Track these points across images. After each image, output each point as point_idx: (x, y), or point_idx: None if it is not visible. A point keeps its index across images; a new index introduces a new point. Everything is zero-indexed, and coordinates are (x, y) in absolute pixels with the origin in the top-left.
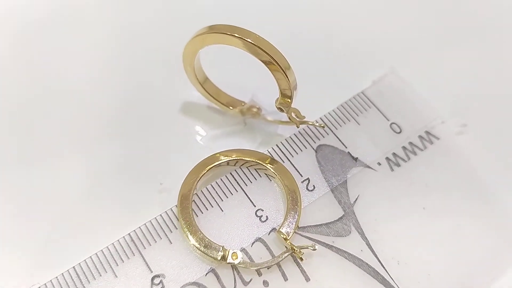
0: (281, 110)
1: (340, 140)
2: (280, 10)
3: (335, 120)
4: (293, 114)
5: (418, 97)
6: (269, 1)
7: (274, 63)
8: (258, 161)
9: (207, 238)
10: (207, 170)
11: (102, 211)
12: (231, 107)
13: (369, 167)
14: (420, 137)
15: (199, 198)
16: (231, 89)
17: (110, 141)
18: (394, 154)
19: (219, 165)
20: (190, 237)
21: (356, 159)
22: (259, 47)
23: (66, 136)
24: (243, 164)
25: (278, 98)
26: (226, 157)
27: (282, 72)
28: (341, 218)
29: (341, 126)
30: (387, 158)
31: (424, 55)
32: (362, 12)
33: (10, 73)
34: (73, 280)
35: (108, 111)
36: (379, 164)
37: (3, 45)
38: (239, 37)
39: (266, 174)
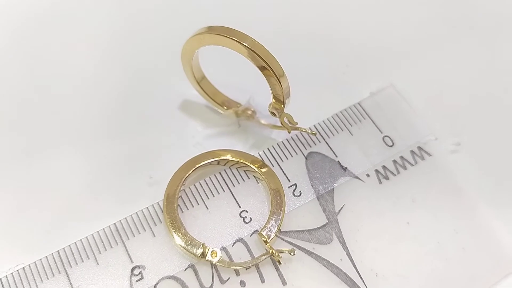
0: (274, 115)
1: (331, 149)
2: (280, 14)
3: (328, 128)
4: (285, 119)
5: (414, 112)
6: (270, 4)
7: (268, 68)
8: (246, 163)
9: (189, 234)
10: (196, 168)
11: (94, 202)
12: (226, 108)
13: (357, 177)
14: (412, 152)
15: (186, 195)
16: (229, 90)
17: (106, 135)
18: (384, 167)
19: (209, 164)
20: (173, 231)
21: (345, 168)
22: (254, 52)
23: (64, 130)
24: (232, 165)
25: (271, 102)
26: (216, 157)
27: (276, 78)
28: (324, 226)
29: (333, 135)
30: (376, 171)
31: (424, 70)
32: (363, 22)
33: (9, 68)
34: (56, 263)
35: (106, 105)
36: (368, 175)
37: (1, 39)
38: (235, 40)
39: (254, 176)
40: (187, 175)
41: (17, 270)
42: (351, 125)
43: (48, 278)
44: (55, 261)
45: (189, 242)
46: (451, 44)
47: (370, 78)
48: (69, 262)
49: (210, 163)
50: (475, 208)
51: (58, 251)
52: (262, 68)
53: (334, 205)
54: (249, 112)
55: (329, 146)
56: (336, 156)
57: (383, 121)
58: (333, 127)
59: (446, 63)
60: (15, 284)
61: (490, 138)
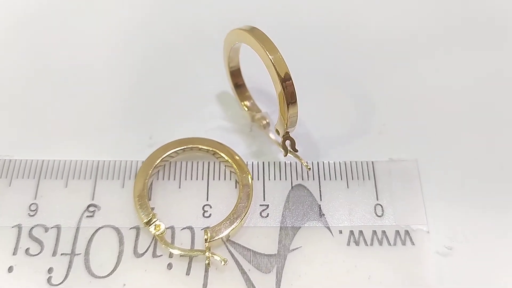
0: (277, 133)
1: (320, 191)
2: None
3: (329, 170)
4: (287, 143)
5: (421, 196)
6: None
7: (282, 89)
8: (232, 164)
9: (147, 198)
10: (181, 149)
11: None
12: (246, 108)
13: (329, 229)
14: (397, 232)
15: (170, 166)
16: (261, 95)
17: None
18: (361, 232)
19: (197, 148)
20: (136, 189)
21: (322, 215)
22: (275, 68)
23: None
24: (218, 158)
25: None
26: (205, 146)
27: (284, 102)
28: (271, 255)
29: (330, 179)
30: (351, 232)
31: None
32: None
33: (24, 52)
34: (34, 169)
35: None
36: (340, 232)
37: (16, 22)
38: (264, 49)
39: (240, 184)
40: (170, 151)
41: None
42: (353, 179)
43: (20, 178)
44: (36, 166)
45: (143, 207)
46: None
47: (399, 144)
48: (45, 173)
49: (199, 148)
50: None
51: (54, 160)
52: (276, 86)
53: (291, 242)
54: (264, 122)
55: (319, 187)
56: (321, 200)
57: (385, 190)
58: (335, 172)
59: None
60: None
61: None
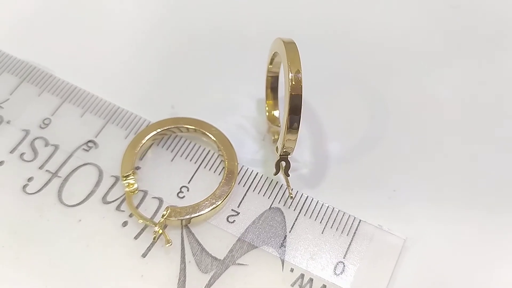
0: (276, 150)
1: (293, 224)
2: None
3: (313, 209)
4: (282, 163)
5: (387, 276)
6: None
7: (287, 109)
8: (225, 157)
9: (134, 160)
10: (174, 127)
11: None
12: (268, 114)
13: (282, 262)
14: None
15: (168, 139)
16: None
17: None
18: (311, 280)
19: (193, 130)
20: (130, 145)
21: (283, 246)
22: (290, 86)
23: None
24: (219, 153)
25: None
26: (209, 132)
27: (286, 125)
28: (215, 259)
29: (309, 218)
30: (302, 275)
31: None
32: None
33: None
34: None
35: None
36: (291, 271)
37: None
38: (288, 65)
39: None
40: (164, 128)
41: None
42: (331, 228)
43: (50, 94)
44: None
45: (128, 162)
46: None
47: (399, 215)
48: (72, 98)
49: (188, 129)
50: None
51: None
52: (285, 104)
53: (241, 257)
54: (274, 136)
55: (295, 219)
56: (289, 232)
57: (356, 252)
58: (318, 213)
59: None
60: None
61: None
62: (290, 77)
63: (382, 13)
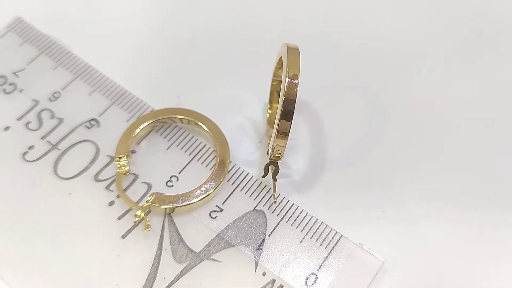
0: (267, 153)
1: (274, 228)
2: None
3: (297, 217)
4: (270, 167)
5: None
6: None
7: (279, 113)
8: (218, 152)
9: (129, 143)
10: (174, 116)
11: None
12: (268, 115)
13: (256, 266)
14: None
15: (167, 128)
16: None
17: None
18: (281, 287)
19: (187, 121)
20: (129, 129)
21: (259, 248)
22: (284, 90)
23: None
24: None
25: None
26: (203, 124)
27: (277, 129)
28: (191, 250)
29: (291, 224)
30: (273, 280)
31: None
32: None
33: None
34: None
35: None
36: (264, 274)
37: None
38: (286, 71)
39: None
40: (156, 119)
41: None
42: (311, 239)
43: (64, 69)
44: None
45: (122, 145)
46: None
47: (383, 239)
48: (84, 75)
49: (189, 121)
50: None
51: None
52: (278, 108)
53: (216, 252)
54: (269, 140)
55: (277, 224)
56: (268, 236)
57: (331, 267)
58: (301, 222)
59: None
60: None
61: None
62: (286, 82)
63: (381, 15)
